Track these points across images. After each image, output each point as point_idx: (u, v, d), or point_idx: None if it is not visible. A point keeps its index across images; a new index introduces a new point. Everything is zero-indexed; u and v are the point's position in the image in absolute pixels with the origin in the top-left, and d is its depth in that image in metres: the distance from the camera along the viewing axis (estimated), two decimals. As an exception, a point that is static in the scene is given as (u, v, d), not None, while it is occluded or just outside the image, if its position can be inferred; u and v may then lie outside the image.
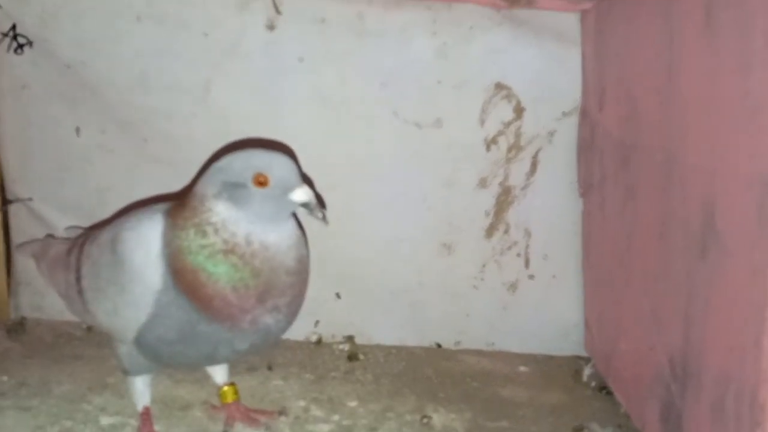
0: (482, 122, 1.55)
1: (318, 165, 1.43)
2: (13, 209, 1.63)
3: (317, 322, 1.65)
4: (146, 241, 1.08)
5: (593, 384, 1.52)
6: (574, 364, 1.61)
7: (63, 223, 1.56)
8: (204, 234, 1.05)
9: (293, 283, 1.09)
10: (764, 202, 0.84)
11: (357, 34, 1.51)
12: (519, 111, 1.55)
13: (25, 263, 1.59)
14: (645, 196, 1.24)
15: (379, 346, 1.64)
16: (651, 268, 1.21)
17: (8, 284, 1.65)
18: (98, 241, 1.17)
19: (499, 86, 1.54)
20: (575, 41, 1.53)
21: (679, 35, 1.09)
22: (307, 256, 1.14)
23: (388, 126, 1.55)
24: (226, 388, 1.30)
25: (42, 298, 1.63)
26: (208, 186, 1.07)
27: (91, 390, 1.36)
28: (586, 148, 1.53)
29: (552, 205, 1.60)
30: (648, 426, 1.22)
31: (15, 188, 1.62)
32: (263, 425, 1.28)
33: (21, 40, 1.52)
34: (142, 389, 1.21)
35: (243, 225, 1.05)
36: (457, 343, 1.67)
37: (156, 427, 1.23)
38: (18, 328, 1.62)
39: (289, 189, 1.07)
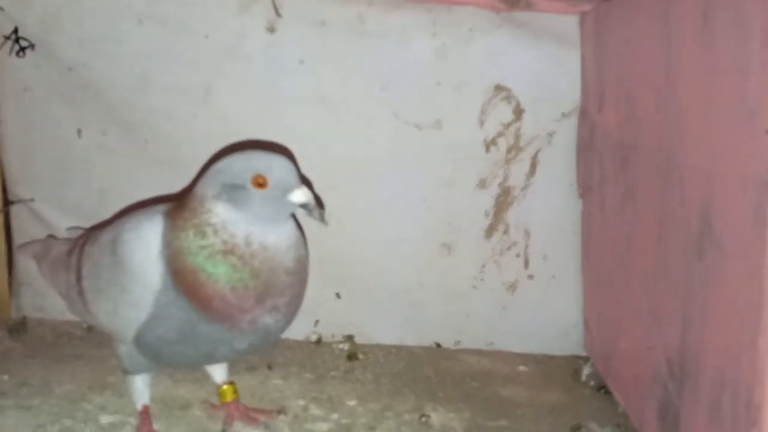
0: (482, 123, 1.56)
1: (318, 166, 1.43)
2: (14, 210, 1.63)
3: (317, 322, 1.65)
4: (146, 242, 1.08)
5: (592, 383, 1.53)
6: (573, 363, 1.61)
7: (64, 223, 1.57)
8: (203, 235, 1.05)
9: (292, 284, 1.09)
10: (761, 203, 0.85)
11: (357, 36, 1.52)
12: (518, 112, 1.56)
13: (26, 264, 1.60)
14: (644, 197, 1.25)
15: (378, 346, 1.65)
16: (650, 268, 1.21)
17: (10, 284, 1.66)
18: (98, 242, 1.17)
19: (498, 88, 1.54)
20: (574, 43, 1.53)
21: (677, 37, 1.09)
22: (306, 256, 1.15)
23: (388, 127, 1.56)
24: (225, 387, 1.30)
25: (43, 298, 1.64)
26: (207, 187, 1.08)
27: (91, 389, 1.37)
28: (586, 149, 1.54)
29: (551, 206, 1.60)
30: (646, 425, 1.23)
31: (17, 189, 1.62)
32: (262, 424, 1.29)
33: (23, 43, 1.53)
34: (141, 388, 1.22)
35: (242, 226, 1.06)
36: (457, 342, 1.67)
37: (155, 426, 1.23)
38: (19, 328, 1.63)
39: (288, 190, 1.07)
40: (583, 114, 1.54)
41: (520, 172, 1.58)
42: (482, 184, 1.59)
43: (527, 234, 1.62)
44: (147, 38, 1.52)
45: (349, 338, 1.66)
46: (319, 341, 1.66)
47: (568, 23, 1.53)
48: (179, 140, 1.56)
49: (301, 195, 1.08)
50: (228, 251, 1.05)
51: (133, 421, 1.25)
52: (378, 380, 1.50)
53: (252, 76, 1.53)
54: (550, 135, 1.57)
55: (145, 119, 1.56)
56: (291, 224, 1.12)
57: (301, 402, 1.38)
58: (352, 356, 1.60)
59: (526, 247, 1.62)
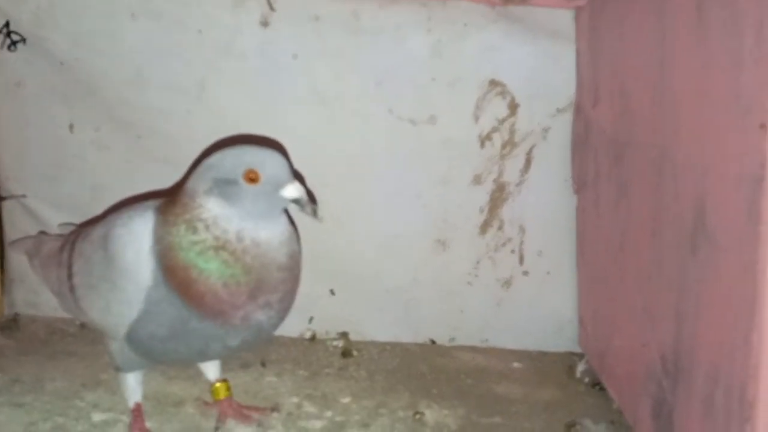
0: (476, 119, 1.55)
1: (313, 162, 1.43)
2: (7, 206, 1.63)
3: (311, 319, 1.65)
4: (137, 238, 1.08)
5: (586, 380, 1.53)
6: (568, 360, 1.61)
7: (57, 220, 1.57)
8: (195, 230, 1.05)
9: (285, 280, 1.09)
10: (754, 199, 0.84)
11: (351, 32, 1.51)
12: (513, 108, 1.55)
13: (18, 260, 1.59)
14: (638, 193, 1.25)
15: (373, 343, 1.64)
16: (644, 264, 1.21)
17: (2, 281, 1.65)
18: (89, 238, 1.17)
19: (493, 83, 1.54)
20: (569, 38, 1.53)
21: (671, 32, 1.09)
22: (299, 252, 1.14)
23: (383, 123, 1.55)
24: (218, 384, 1.30)
25: (35, 295, 1.63)
26: (199, 182, 1.07)
27: (84, 386, 1.36)
28: (581, 144, 1.53)
29: (546, 202, 1.60)
30: (640, 422, 1.22)
31: (9, 185, 1.61)
32: (256, 422, 1.28)
33: (14, 37, 1.52)
34: (134, 386, 1.22)
35: (234, 221, 1.05)
36: (452, 339, 1.67)
37: (148, 424, 1.23)
38: (11, 324, 1.62)
39: (280, 185, 1.07)
40: (578, 110, 1.53)
41: (515, 167, 1.58)
42: (477, 180, 1.59)
43: (522, 230, 1.61)
44: (140, 34, 1.51)
45: (344, 335, 1.65)
46: (313, 338, 1.65)
47: (564, 18, 1.52)
48: (173, 136, 1.55)
49: (293, 190, 1.07)
50: (220, 247, 1.04)
51: (126, 418, 1.25)
52: (372, 377, 1.50)
53: (246, 72, 1.53)
54: (545, 131, 1.56)
55: (139, 115, 1.55)
56: (283, 220, 1.11)
57: (295, 399, 1.38)
58: (346, 353, 1.60)
59: (521, 243, 1.62)
